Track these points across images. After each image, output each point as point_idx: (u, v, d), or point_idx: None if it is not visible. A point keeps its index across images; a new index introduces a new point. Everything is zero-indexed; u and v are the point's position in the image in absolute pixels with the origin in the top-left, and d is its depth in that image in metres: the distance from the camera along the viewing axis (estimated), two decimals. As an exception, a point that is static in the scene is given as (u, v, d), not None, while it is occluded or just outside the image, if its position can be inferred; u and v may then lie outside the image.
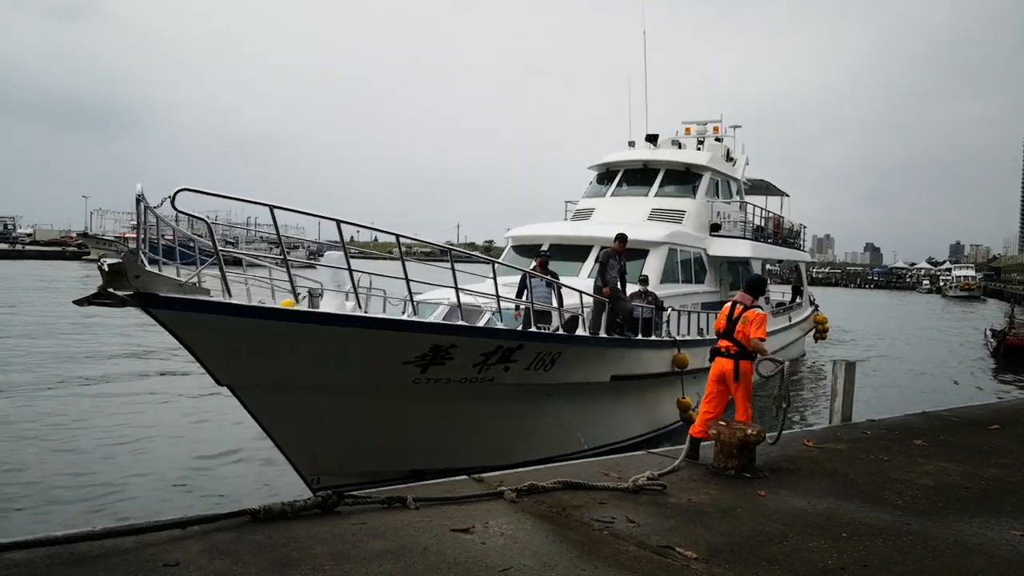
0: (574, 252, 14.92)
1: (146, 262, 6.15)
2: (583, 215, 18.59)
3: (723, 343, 7.26)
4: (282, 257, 7.13)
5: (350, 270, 7.36)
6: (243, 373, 6.96)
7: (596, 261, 11.69)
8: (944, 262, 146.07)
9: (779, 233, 24.30)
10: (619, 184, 19.13)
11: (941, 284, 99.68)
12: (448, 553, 4.64)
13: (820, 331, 26.11)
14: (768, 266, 27.27)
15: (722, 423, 6.98)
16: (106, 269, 5.39)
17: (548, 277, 10.57)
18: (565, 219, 19.39)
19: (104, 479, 9.89)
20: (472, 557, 4.60)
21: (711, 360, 7.39)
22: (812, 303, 28.55)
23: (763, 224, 22.28)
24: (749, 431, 6.79)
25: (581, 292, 10.23)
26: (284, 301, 8.88)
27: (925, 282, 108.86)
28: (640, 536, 5.12)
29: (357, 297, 7.45)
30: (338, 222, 6.95)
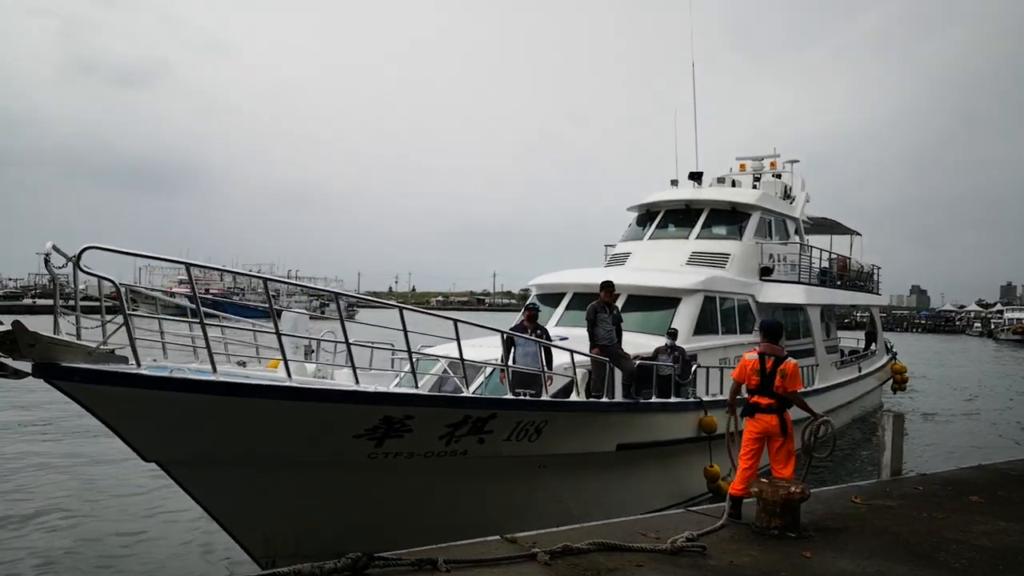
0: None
1: (62, 326, 5.42)
2: (618, 260, 17.50)
3: (763, 399, 7.04)
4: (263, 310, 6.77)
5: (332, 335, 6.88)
6: (169, 449, 6.25)
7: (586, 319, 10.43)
8: (995, 304, 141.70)
9: (845, 275, 22.49)
10: (659, 226, 17.87)
11: (992, 327, 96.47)
12: (481, 621, 4.51)
13: (899, 381, 24.45)
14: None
15: (764, 480, 6.74)
16: None
17: (532, 338, 9.26)
18: (604, 265, 18.08)
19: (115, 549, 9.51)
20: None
21: (746, 416, 7.16)
22: (889, 350, 26.59)
23: (828, 266, 20.73)
24: (793, 488, 6.53)
25: (572, 352, 9.33)
26: (271, 363, 8.65)
27: (976, 325, 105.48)
28: (679, 602, 4.91)
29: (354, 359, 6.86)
30: (265, 279, 6.84)
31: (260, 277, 7.18)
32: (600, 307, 10.25)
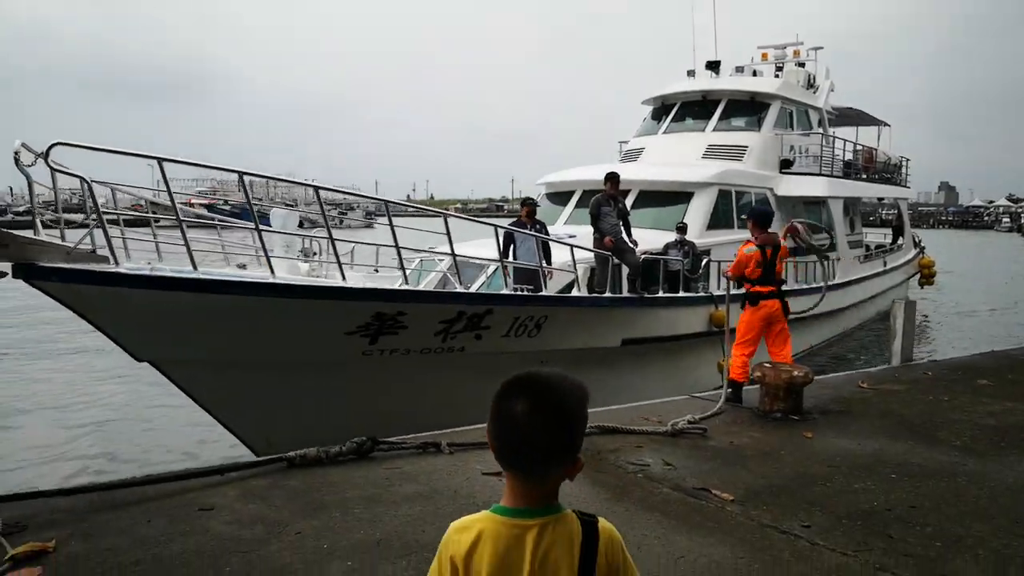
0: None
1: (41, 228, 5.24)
2: (632, 156, 17.01)
3: (765, 288, 6.98)
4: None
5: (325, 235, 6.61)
6: (159, 348, 6.20)
7: (582, 208, 10.27)
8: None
9: (871, 168, 21.63)
10: (674, 119, 17.30)
11: (1022, 222, 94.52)
12: (478, 496, 4.63)
13: (926, 276, 23.89)
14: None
15: (767, 364, 6.74)
16: None
17: (531, 233, 9.09)
18: (618, 162, 17.41)
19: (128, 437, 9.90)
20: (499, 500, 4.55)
21: (749, 305, 7.11)
22: (917, 245, 25.93)
23: (853, 158, 20.08)
24: (796, 372, 6.54)
25: (572, 247, 9.11)
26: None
27: (1005, 219, 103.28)
28: (675, 479, 4.99)
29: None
30: (260, 178, 6.73)
31: (245, 174, 6.50)
32: (604, 200, 9.98)
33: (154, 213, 7.46)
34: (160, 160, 5.46)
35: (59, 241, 5.27)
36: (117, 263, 5.49)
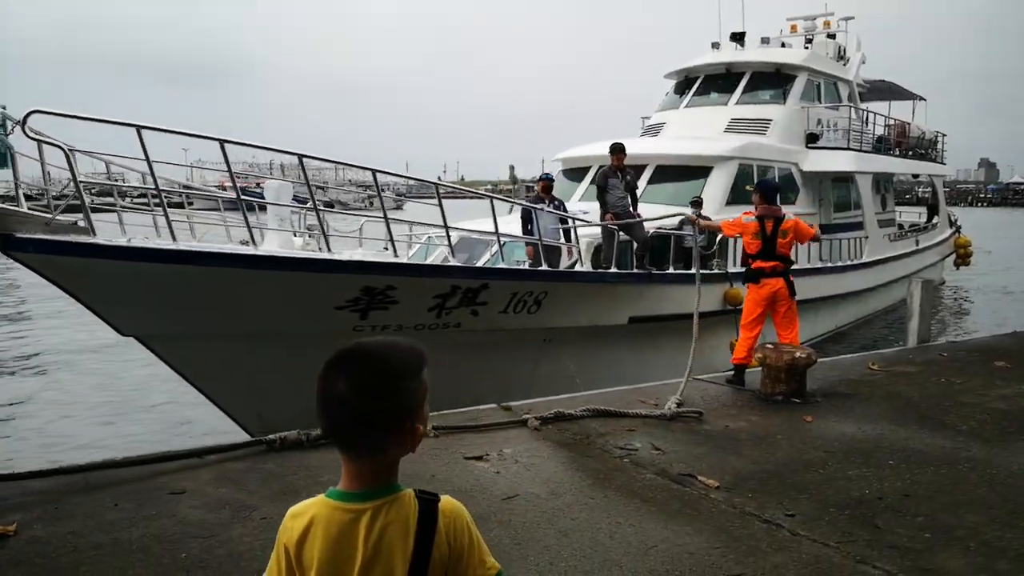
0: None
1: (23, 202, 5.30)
2: (652, 131, 16.53)
3: (766, 264, 6.71)
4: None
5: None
6: (142, 322, 6.06)
7: (592, 183, 9.88)
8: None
9: (904, 143, 20.69)
10: (697, 93, 16.75)
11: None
12: (455, 481, 4.52)
13: (961, 256, 22.83)
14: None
15: (769, 346, 6.53)
16: None
17: (547, 209, 8.99)
18: (639, 136, 16.92)
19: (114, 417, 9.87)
20: (478, 485, 4.45)
21: (750, 283, 6.86)
22: (953, 224, 24.78)
23: (885, 133, 19.35)
24: (798, 354, 6.31)
25: (574, 220, 8.89)
26: None
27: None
28: (662, 464, 4.84)
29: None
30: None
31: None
32: (611, 172, 9.64)
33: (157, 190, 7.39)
34: (138, 128, 5.31)
35: (38, 213, 5.24)
36: (95, 234, 5.38)
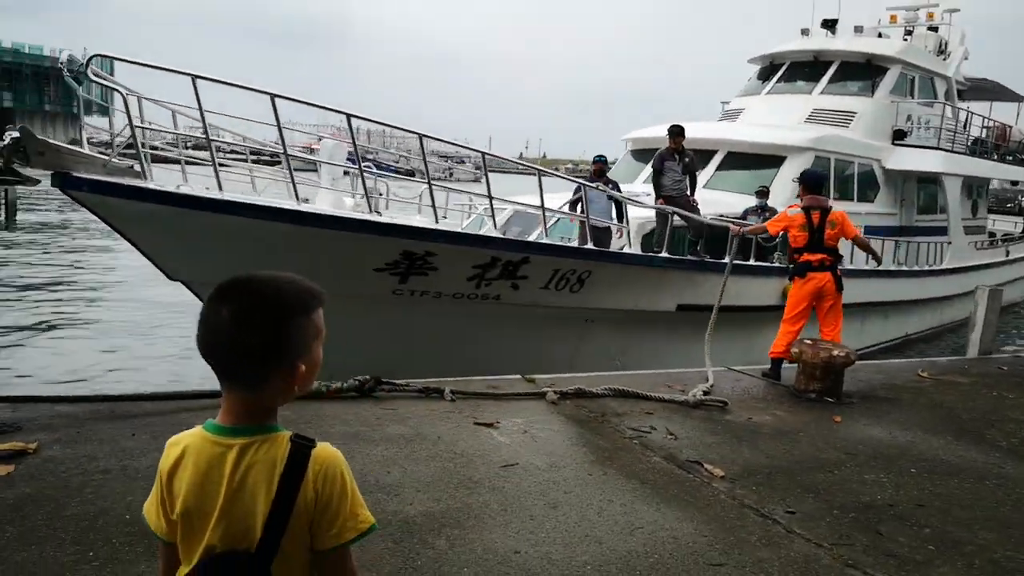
0: (698, 158, 11.94)
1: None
2: (730, 116, 16.00)
3: (813, 256, 6.45)
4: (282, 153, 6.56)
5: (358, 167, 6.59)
6: (189, 268, 6.17)
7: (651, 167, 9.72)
8: None
9: (1003, 146, 19.51)
10: (780, 79, 16.10)
11: None
12: (460, 444, 4.55)
13: None
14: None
15: (807, 341, 6.30)
16: (7, 143, 4.70)
17: (607, 189, 8.93)
18: (717, 121, 16.29)
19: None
20: (481, 450, 4.47)
21: (796, 277, 6.62)
22: None
23: (983, 135, 18.27)
24: (836, 352, 6.07)
25: (625, 201, 8.76)
26: None
27: None
28: (672, 449, 4.75)
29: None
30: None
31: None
32: (668, 155, 9.43)
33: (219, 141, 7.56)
34: (194, 77, 5.47)
35: (97, 155, 5.48)
36: (147, 179, 5.57)
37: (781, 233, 10.95)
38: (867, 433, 5.31)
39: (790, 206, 6.77)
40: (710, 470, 4.41)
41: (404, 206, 10.36)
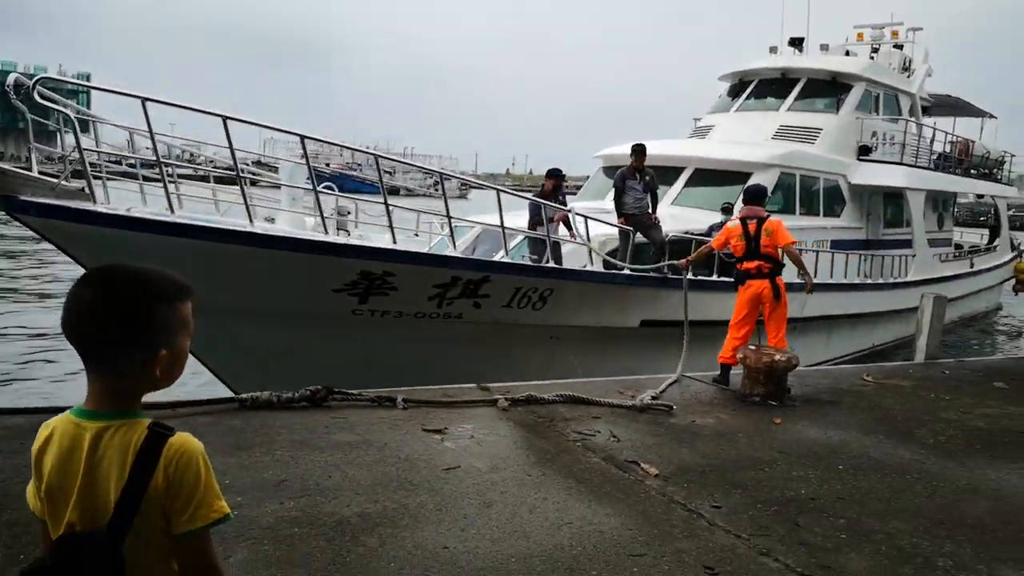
0: (666, 175, 12.77)
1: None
2: (700, 133, 16.25)
3: (751, 264, 6.70)
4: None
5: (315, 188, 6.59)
6: None
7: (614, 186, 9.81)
8: None
9: (966, 161, 19.98)
10: (748, 97, 16.42)
11: None
12: (404, 450, 4.68)
13: (1021, 281, 21.75)
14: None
15: (751, 347, 6.52)
16: None
17: (556, 204, 8.78)
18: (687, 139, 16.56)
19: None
20: (424, 455, 4.61)
21: (739, 285, 6.86)
22: (1016, 248, 23.77)
23: (947, 150, 18.72)
24: (778, 357, 6.29)
25: (587, 219, 8.67)
26: None
27: None
28: (612, 450, 4.92)
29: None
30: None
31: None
32: (629, 173, 9.57)
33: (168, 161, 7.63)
34: (143, 100, 5.52)
35: (47, 177, 5.54)
36: (95, 202, 5.55)
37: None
38: (804, 434, 5.52)
39: (730, 221, 7.02)
40: (645, 469, 4.59)
41: (378, 225, 10.45)
